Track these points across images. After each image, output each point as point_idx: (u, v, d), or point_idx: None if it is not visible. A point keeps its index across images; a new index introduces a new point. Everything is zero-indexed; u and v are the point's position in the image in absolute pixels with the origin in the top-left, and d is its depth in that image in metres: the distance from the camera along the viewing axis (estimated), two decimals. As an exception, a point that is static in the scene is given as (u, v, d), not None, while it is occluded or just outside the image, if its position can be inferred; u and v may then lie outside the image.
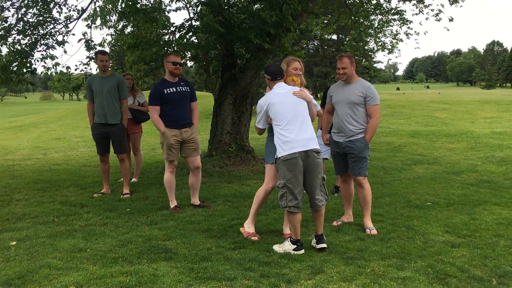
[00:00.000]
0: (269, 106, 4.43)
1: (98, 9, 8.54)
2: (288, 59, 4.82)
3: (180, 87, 5.82)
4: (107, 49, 10.95)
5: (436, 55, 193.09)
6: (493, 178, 7.99)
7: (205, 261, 4.11)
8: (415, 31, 12.72)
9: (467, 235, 4.86)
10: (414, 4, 11.90)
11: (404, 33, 12.97)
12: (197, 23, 7.97)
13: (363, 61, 39.82)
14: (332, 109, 5.29)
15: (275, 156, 4.42)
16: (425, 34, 12.61)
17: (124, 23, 9.19)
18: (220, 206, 6.09)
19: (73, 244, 4.57)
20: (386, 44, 14.22)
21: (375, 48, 14.66)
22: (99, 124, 6.60)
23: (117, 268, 3.92)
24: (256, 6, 8.30)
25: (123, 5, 7.76)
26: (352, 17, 12.98)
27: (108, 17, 8.61)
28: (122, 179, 7.76)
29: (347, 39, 13.61)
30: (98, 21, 8.93)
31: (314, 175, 4.38)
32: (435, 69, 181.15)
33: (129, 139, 7.69)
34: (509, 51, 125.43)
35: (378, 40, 14.32)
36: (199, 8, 8.20)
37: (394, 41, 13.92)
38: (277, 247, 4.44)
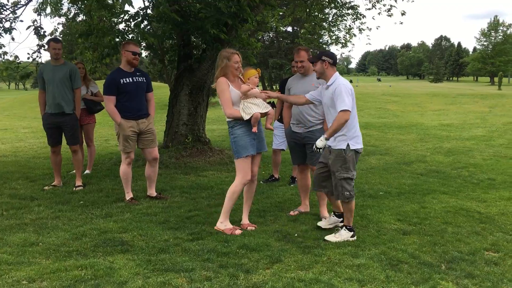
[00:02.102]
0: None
1: (48, -4, 8.21)
2: (228, 53, 4.62)
3: (137, 78, 5.70)
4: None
5: (387, 49, 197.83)
6: (441, 168, 8.33)
7: (163, 253, 4.08)
8: (368, 27, 12.93)
9: (417, 223, 5.05)
10: (367, -2, 12.14)
11: (357, 28, 13.23)
12: (152, 11, 7.80)
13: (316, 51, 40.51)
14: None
15: (345, 147, 4.40)
16: (377, 29, 12.92)
17: (76, 11, 8.88)
18: (177, 198, 6.04)
19: (24, 238, 4.41)
20: (340, 38, 14.46)
21: (329, 41, 14.87)
22: (51, 114, 6.37)
23: (72, 262, 3.82)
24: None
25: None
26: (307, 10, 13.12)
27: (59, 4, 8.28)
28: (74, 171, 7.55)
29: (302, 31, 13.70)
30: (48, 9, 8.58)
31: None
32: (386, 63, 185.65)
33: (82, 130, 7.48)
34: (455, 46, 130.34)
35: (332, 34, 14.53)
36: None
37: (348, 35, 14.16)
38: (332, 237, 4.45)
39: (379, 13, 12.14)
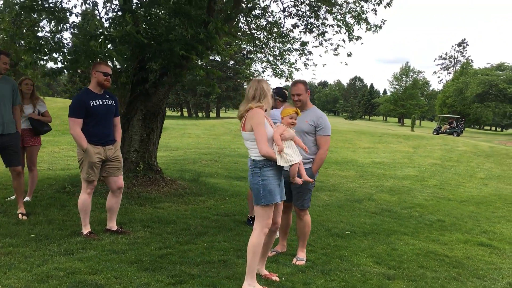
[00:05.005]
0: None
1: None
2: (269, 86, 4.19)
3: (106, 100, 5.25)
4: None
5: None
6: (391, 207, 8.50)
7: (148, 299, 3.67)
8: (314, 63, 13.26)
9: (396, 267, 5.02)
10: (315, 37, 12.42)
11: (303, 63, 13.45)
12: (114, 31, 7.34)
13: (244, 85, 41.21)
14: None
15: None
16: (323, 66, 13.24)
17: (22, 21, 8.15)
18: (140, 233, 5.56)
19: (-23, 279, 3.78)
20: (284, 72, 14.60)
21: (272, 75, 14.92)
22: None
23: (44, 311, 3.30)
24: (176, 20, 7.90)
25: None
26: (254, 43, 13.19)
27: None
28: (12, 197, 6.81)
29: (246, 62, 13.76)
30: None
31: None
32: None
33: (25, 152, 6.76)
34: (368, 87, 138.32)
35: (276, 67, 14.63)
36: (115, 14, 7.59)
37: (292, 69, 14.35)
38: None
39: (325, 52, 12.44)
